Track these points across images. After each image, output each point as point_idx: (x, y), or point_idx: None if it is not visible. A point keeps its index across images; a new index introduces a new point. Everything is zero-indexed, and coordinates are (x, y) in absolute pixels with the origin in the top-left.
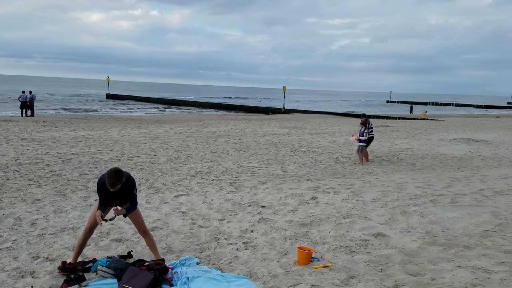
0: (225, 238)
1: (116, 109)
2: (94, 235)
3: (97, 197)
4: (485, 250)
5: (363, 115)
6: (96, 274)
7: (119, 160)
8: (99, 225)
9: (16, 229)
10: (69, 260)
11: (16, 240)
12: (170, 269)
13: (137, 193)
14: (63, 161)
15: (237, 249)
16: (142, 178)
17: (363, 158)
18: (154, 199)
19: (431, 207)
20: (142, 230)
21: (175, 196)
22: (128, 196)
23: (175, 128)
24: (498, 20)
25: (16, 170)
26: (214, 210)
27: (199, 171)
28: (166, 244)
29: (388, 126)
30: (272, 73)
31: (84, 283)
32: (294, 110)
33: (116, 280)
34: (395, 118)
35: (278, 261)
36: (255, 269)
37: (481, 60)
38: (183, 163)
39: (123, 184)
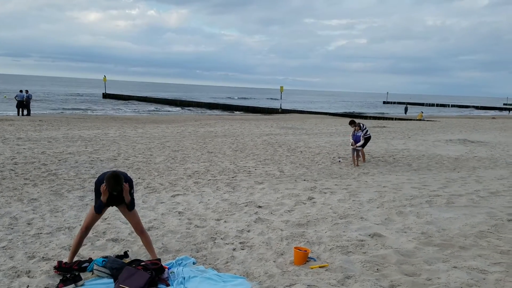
0: (221, 238)
1: (113, 108)
2: (90, 234)
3: (93, 197)
4: (481, 250)
5: (352, 122)
6: (92, 274)
7: (116, 159)
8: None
9: (12, 229)
10: (65, 260)
11: (12, 239)
12: (166, 269)
13: (134, 193)
14: (59, 160)
15: (234, 249)
16: (139, 178)
17: (360, 159)
18: (151, 199)
19: (427, 208)
20: (139, 229)
21: (171, 196)
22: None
23: (172, 128)
24: (494, 22)
25: (12, 170)
26: (210, 210)
27: (196, 171)
28: (162, 244)
29: (384, 126)
30: (270, 73)
31: (80, 282)
32: (291, 110)
33: (112, 280)
34: (391, 118)
35: (274, 261)
36: (252, 269)
37: (477, 62)
38: (179, 163)
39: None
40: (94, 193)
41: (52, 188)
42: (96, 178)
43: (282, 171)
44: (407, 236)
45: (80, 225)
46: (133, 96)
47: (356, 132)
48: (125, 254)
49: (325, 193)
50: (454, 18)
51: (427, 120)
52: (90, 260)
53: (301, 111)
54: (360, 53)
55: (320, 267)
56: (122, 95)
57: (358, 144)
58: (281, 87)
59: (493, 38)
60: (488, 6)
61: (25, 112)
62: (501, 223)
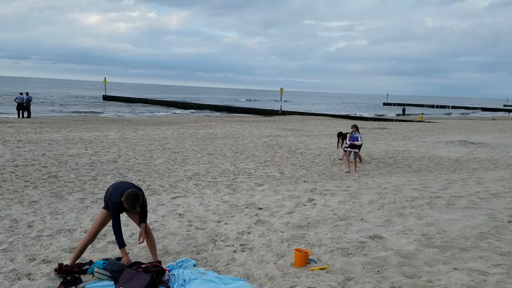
0: (222, 240)
1: (113, 110)
2: None
3: (93, 199)
4: (481, 252)
5: (340, 134)
6: (93, 276)
7: (116, 161)
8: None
9: (12, 231)
10: (66, 262)
11: (12, 242)
12: (167, 271)
13: (147, 205)
14: (59, 162)
15: (234, 251)
16: (139, 180)
17: (356, 163)
18: (151, 201)
19: (428, 209)
20: (147, 232)
21: (172, 198)
22: (140, 208)
23: (172, 129)
24: (494, 23)
25: (12, 172)
26: (211, 212)
27: (196, 173)
28: (163, 246)
29: (385, 128)
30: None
31: (81, 285)
32: (291, 112)
33: (112, 282)
34: (391, 120)
35: (275, 263)
36: (252, 271)
37: (477, 63)
38: (180, 164)
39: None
40: (109, 204)
41: (52, 190)
42: (110, 193)
43: (282, 173)
44: (407, 237)
45: (80, 227)
46: (133, 98)
47: (353, 133)
48: None
49: (325, 194)
50: (454, 19)
51: (427, 122)
52: (90, 263)
53: (302, 112)
54: (360, 54)
55: (320, 269)
56: (122, 97)
57: (357, 143)
58: (281, 89)
59: (492, 39)
60: (488, 8)
61: (26, 114)
62: (502, 225)
